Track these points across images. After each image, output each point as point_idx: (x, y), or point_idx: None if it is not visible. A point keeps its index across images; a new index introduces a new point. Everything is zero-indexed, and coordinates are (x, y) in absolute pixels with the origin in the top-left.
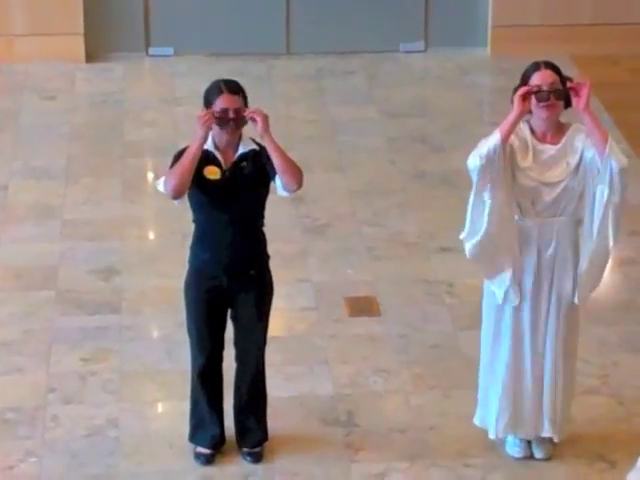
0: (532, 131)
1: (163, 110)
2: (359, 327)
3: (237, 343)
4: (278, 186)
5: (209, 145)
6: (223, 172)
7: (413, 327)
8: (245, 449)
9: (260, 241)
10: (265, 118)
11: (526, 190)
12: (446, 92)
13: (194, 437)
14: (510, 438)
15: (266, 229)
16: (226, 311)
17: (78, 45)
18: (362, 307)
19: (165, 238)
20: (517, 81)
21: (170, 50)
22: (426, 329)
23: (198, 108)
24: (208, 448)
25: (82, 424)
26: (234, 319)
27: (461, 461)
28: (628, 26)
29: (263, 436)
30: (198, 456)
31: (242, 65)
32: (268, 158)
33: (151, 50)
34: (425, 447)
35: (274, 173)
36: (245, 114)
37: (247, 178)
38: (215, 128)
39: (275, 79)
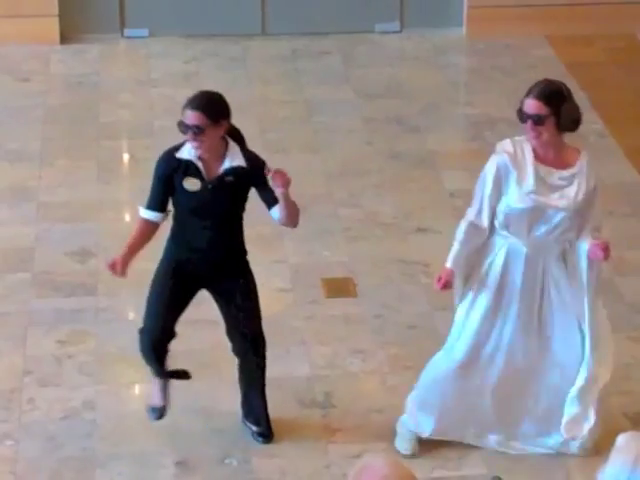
0: (534, 150)
1: (138, 92)
2: (336, 308)
3: (232, 336)
4: (274, 217)
5: (192, 156)
6: (205, 184)
7: (389, 308)
8: (259, 429)
9: (238, 241)
10: (287, 183)
11: (523, 213)
12: (422, 72)
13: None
14: (404, 430)
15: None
16: (191, 296)
17: (53, 27)
18: (338, 288)
19: None
20: (492, 61)
21: (145, 32)
22: (402, 309)
23: (173, 89)
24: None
25: (58, 407)
26: (225, 314)
27: (438, 441)
28: (604, 6)
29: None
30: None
31: (217, 46)
32: (260, 181)
33: (126, 31)
34: None
35: (272, 204)
36: (267, 174)
37: (229, 192)
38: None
39: (250, 60)
